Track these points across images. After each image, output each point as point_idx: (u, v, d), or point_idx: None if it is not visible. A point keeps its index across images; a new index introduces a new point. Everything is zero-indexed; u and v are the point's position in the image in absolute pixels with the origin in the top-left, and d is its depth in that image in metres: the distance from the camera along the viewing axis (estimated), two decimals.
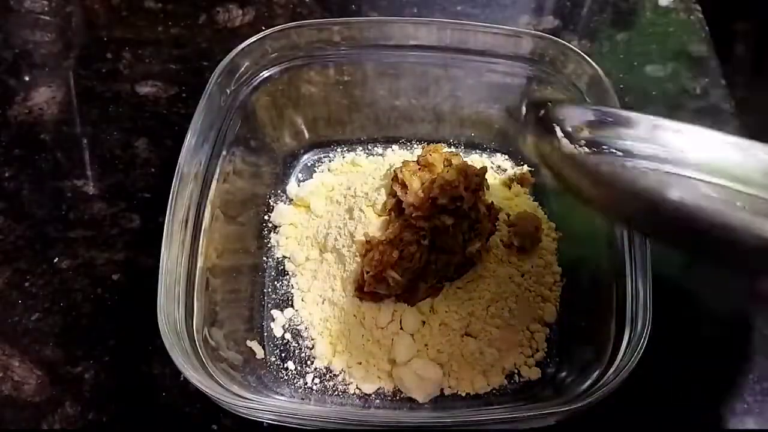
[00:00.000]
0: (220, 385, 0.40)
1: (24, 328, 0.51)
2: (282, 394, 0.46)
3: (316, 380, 0.48)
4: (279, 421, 0.39)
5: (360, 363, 0.48)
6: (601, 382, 0.40)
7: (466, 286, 0.50)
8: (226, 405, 0.38)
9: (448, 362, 0.48)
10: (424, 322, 0.49)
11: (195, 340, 0.42)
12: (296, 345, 0.50)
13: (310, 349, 0.49)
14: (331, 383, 0.48)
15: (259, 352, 0.48)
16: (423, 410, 0.46)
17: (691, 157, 0.35)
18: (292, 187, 0.57)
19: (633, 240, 0.43)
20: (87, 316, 0.51)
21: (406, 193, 0.48)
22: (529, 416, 0.39)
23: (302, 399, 0.47)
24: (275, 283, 0.53)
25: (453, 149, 0.59)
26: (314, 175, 0.58)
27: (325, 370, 0.48)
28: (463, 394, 0.47)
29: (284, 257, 0.54)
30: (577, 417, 0.38)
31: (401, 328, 0.49)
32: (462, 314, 0.49)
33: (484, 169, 0.49)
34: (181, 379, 0.47)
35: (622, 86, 0.62)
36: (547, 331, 0.50)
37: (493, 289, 0.50)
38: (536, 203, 0.56)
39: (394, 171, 0.50)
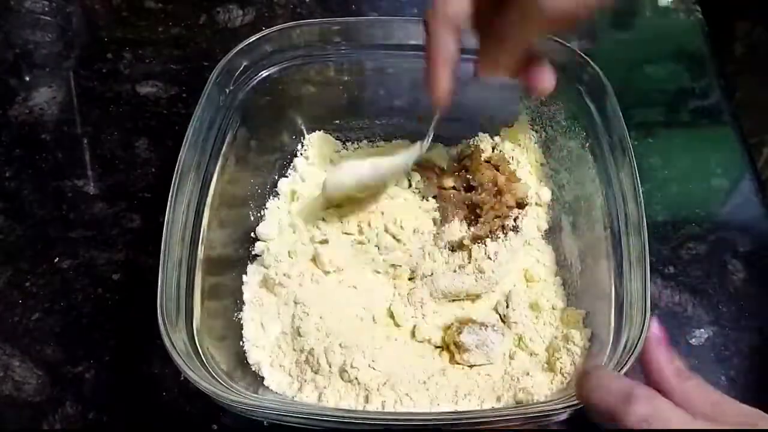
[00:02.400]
0: (221, 384, 0.40)
1: (24, 328, 0.51)
2: (282, 393, 0.46)
3: None
4: (279, 421, 0.39)
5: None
6: None
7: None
8: (226, 404, 0.39)
9: (463, 394, 0.46)
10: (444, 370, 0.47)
11: (195, 340, 0.42)
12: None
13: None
14: None
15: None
16: (423, 409, 0.45)
17: None
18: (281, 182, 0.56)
19: (632, 239, 0.43)
20: (87, 315, 0.51)
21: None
22: (531, 416, 0.39)
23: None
24: None
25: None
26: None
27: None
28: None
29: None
30: (577, 417, 0.38)
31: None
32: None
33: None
34: (182, 378, 0.46)
35: (622, 86, 0.62)
36: (577, 354, 0.45)
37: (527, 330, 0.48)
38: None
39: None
